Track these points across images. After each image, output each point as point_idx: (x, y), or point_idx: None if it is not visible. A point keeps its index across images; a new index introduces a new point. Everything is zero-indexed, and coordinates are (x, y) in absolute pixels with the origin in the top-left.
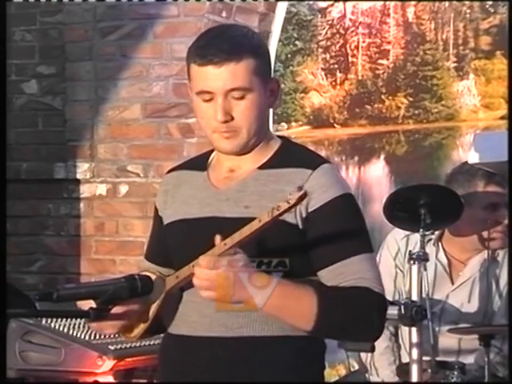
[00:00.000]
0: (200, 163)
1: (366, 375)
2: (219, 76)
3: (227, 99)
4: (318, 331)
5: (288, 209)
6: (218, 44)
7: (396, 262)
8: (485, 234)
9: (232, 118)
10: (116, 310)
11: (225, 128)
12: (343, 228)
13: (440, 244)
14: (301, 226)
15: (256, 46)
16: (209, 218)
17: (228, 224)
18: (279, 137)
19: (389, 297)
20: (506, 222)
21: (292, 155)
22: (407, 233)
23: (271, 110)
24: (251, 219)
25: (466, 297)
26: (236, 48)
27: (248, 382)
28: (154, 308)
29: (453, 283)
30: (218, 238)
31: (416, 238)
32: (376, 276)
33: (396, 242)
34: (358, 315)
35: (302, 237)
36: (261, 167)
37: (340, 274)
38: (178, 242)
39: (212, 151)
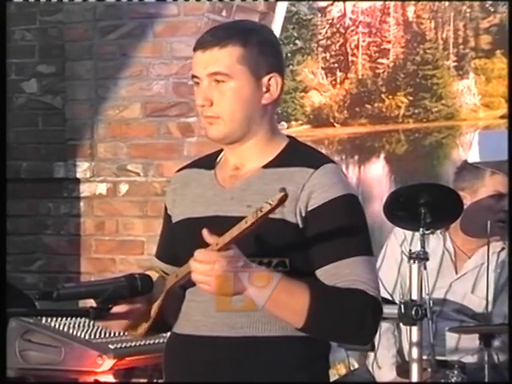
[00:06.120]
0: (208, 162)
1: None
2: (203, 60)
3: (210, 85)
4: (308, 329)
5: (270, 210)
6: (213, 31)
7: (402, 249)
8: (489, 223)
9: (212, 104)
10: (120, 308)
11: (208, 113)
12: (341, 228)
13: (447, 233)
14: (301, 225)
15: (254, 38)
16: (213, 217)
17: (231, 223)
18: (287, 136)
19: (392, 282)
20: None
21: (297, 155)
22: None
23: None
24: None
25: (469, 287)
26: (225, 35)
27: (250, 382)
28: (155, 307)
29: (457, 273)
30: (205, 233)
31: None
32: (373, 279)
33: (403, 233)
34: (351, 317)
35: (302, 236)
36: (265, 166)
37: (334, 274)
38: (183, 240)
39: (221, 150)
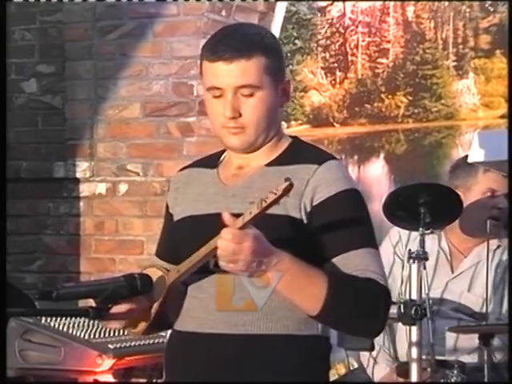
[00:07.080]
0: (211, 161)
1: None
2: (229, 72)
3: (236, 96)
4: (324, 316)
5: (275, 200)
6: (229, 41)
7: (395, 250)
8: (485, 221)
9: (240, 115)
10: (120, 307)
11: (232, 124)
12: (347, 221)
13: (442, 233)
14: (305, 221)
15: (268, 45)
16: (215, 215)
17: None
18: (290, 136)
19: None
20: (505, 207)
21: (300, 153)
22: None
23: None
24: None
25: (465, 286)
26: (247, 45)
27: (251, 380)
28: (156, 304)
29: (453, 272)
30: (226, 215)
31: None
32: (381, 270)
33: (398, 233)
34: (365, 305)
35: (307, 231)
36: (268, 164)
37: (344, 265)
38: (184, 237)
39: (224, 150)
